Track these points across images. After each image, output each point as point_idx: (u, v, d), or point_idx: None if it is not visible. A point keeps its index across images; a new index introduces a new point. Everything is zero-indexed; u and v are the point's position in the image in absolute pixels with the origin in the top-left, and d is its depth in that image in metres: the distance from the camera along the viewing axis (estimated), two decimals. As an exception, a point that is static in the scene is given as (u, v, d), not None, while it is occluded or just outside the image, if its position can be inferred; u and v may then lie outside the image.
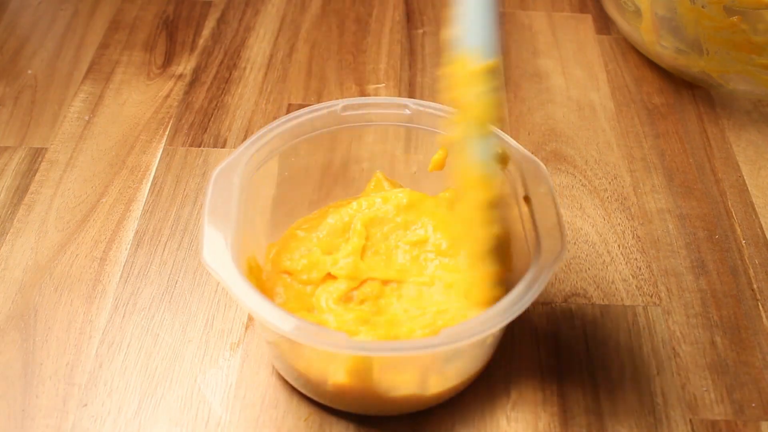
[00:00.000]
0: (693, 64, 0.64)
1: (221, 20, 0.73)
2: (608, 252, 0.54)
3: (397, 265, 0.47)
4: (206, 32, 0.72)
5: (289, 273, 0.47)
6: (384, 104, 0.51)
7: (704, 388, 0.47)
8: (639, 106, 0.65)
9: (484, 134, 0.41)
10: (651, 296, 0.51)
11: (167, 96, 0.65)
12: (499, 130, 0.46)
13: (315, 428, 0.45)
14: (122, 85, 0.66)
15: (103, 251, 0.53)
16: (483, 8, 0.39)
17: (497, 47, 0.40)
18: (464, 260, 0.46)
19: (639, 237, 0.55)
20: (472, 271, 0.44)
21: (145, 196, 0.57)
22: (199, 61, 0.69)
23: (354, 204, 0.49)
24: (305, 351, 0.43)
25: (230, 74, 0.67)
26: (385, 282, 0.46)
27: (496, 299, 0.43)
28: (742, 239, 0.55)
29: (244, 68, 0.68)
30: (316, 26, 0.73)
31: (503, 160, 0.48)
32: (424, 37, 0.72)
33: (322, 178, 0.53)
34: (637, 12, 0.65)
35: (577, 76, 0.68)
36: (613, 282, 0.52)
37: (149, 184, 0.58)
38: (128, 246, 0.53)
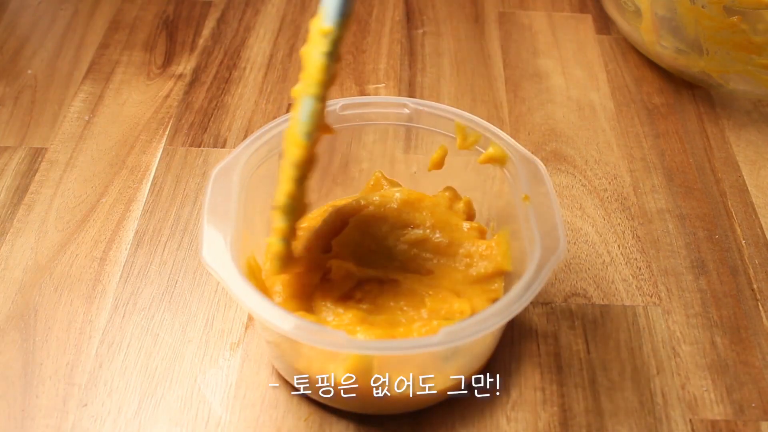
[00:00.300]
0: (693, 64, 0.64)
1: (221, 20, 0.73)
2: (608, 252, 0.54)
3: (395, 264, 0.47)
4: (206, 32, 0.72)
5: (288, 272, 0.47)
6: (383, 104, 0.51)
7: (704, 388, 0.47)
8: (639, 106, 0.65)
9: (309, 95, 0.41)
10: (651, 296, 0.51)
11: (167, 96, 0.65)
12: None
13: (315, 428, 0.45)
14: (122, 85, 0.66)
15: (103, 251, 0.53)
16: None
17: (340, 13, 0.40)
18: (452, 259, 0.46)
19: (639, 237, 0.55)
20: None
21: (145, 196, 0.57)
22: (199, 61, 0.69)
23: (352, 203, 0.49)
24: (305, 350, 0.43)
25: (230, 74, 0.67)
26: (383, 281, 0.46)
27: (282, 260, 0.43)
28: (742, 239, 0.55)
29: (244, 68, 0.68)
30: (316, 26, 0.73)
31: (501, 159, 0.48)
32: (424, 37, 0.72)
33: (322, 177, 0.53)
34: (637, 12, 0.65)
35: (577, 76, 0.68)
36: (613, 282, 0.52)
37: (149, 184, 0.58)
38: (128, 246, 0.53)
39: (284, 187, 0.43)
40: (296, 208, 0.43)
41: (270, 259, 0.45)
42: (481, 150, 0.49)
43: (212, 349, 0.48)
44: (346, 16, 0.40)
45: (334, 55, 0.40)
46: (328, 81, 0.41)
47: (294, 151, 0.42)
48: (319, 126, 0.42)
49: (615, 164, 0.60)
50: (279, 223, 0.43)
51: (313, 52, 0.40)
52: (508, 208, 0.48)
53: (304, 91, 0.41)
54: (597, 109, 0.65)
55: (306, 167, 0.42)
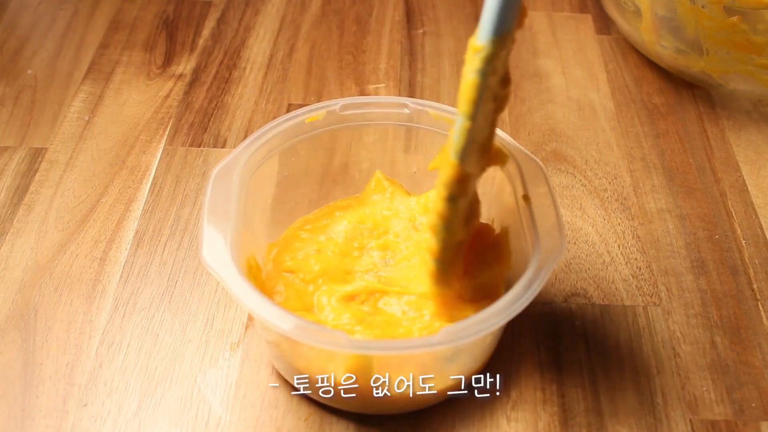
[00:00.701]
0: (693, 64, 0.64)
1: (221, 20, 0.73)
2: (608, 252, 0.54)
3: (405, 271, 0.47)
4: (206, 32, 0.72)
5: (292, 272, 0.47)
6: (383, 104, 0.51)
7: (704, 388, 0.47)
8: (639, 106, 0.65)
9: (460, 113, 0.39)
10: (651, 296, 0.51)
11: (167, 96, 0.65)
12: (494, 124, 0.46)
13: (315, 428, 0.45)
14: (122, 85, 0.66)
15: (103, 251, 0.53)
16: None
17: (494, 32, 0.38)
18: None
19: (639, 237, 0.55)
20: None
21: (145, 196, 0.57)
22: (199, 61, 0.69)
23: (367, 211, 0.49)
24: (305, 350, 0.43)
25: (230, 74, 0.67)
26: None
27: (439, 273, 0.43)
28: (742, 239, 0.55)
29: (244, 68, 0.68)
30: (316, 26, 0.73)
31: (501, 158, 0.48)
32: (424, 37, 0.72)
33: (322, 177, 0.53)
34: (637, 12, 0.65)
35: (577, 76, 0.68)
36: (613, 282, 0.52)
37: (149, 184, 0.58)
38: (128, 246, 0.53)
39: (435, 205, 0.41)
40: (447, 227, 0.41)
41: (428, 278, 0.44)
42: (481, 150, 0.49)
43: (212, 349, 0.48)
44: (500, 34, 0.38)
45: (485, 73, 0.38)
46: (480, 99, 0.38)
47: (444, 169, 0.40)
48: (476, 146, 0.40)
49: (615, 164, 0.60)
50: (431, 243, 0.42)
51: (465, 70, 0.39)
52: (508, 208, 0.48)
53: (458, 109, 0.39)
54: (597, 109, 0.65)
55: (455, 187, 0.40)
